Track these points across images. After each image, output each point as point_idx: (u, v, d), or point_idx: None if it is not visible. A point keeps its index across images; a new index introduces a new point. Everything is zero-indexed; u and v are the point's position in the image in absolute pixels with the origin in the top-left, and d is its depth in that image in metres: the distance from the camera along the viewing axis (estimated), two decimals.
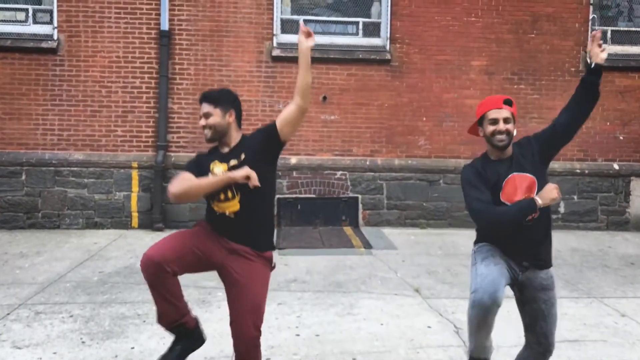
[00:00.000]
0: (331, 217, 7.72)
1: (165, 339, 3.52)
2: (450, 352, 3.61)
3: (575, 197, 7.92)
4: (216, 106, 2.82)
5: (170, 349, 2.88)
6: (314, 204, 7.70)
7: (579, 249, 6.70)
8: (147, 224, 7.36)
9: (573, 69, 7.90)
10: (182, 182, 2.74)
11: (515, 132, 2.70)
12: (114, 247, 6.41)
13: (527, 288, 2.69)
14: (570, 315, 4.35)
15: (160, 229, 7.23)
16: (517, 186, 2.61)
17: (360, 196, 7.74)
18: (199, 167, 2.82)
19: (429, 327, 4.07)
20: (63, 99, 7.37)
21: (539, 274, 2.68)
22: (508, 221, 2.56)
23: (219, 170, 2.76)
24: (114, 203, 7.42)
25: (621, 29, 8.07)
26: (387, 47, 7.72)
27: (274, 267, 2.90)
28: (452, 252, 6.38)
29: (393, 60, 7.71)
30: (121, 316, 4.20)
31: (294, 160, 7.65)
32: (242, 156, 2.75)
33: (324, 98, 7.66)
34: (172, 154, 7.48)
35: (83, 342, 3.71)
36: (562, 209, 7.89)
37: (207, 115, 2.82)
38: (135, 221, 7.43)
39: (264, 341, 3.74)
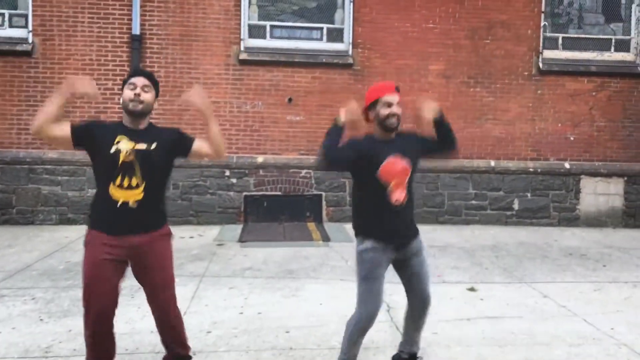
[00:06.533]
0: (296, 213, 8.08)
1: (118, 317, 3.84)
2: (378, 327, 3.95)
3: (528, 194, 8.34)
4: (153, 87, 2.87)
5: None
6: (279, 201, 8.05)
7: (526, 243, 7.09)
8: None
9: (526, 73, 8.34)
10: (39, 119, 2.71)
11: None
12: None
13: (403, 259, 3.00)
14: (497, 297, 4.73)
15: None
16: (395, 165, 2.87)
17: (324, 193, 8.11)
18: (98, 132, 2.80)
19: None
20: (37, 99, 7.67)
21: (412, 244, 3.00)
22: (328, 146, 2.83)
23: (124, 146, 2.76)
24: (86, 200, 7.71)
25: (571, 35, 8.53)
26: (350, 52, 8.12)
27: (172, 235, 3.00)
28: None
29: (355, 64, 8.10)
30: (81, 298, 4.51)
31: (260, 159, 8.01)
32: (154, 145, 2.80)
33: (290, 100, 8.03)
34: None
35: (41, 320, 4.04)
36: (516, 206, 8.31)
37: (145, 89, 2.81)
38: None
39: (209, 318, 4.11)
